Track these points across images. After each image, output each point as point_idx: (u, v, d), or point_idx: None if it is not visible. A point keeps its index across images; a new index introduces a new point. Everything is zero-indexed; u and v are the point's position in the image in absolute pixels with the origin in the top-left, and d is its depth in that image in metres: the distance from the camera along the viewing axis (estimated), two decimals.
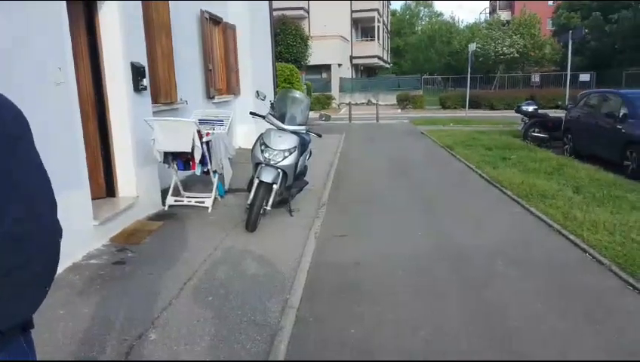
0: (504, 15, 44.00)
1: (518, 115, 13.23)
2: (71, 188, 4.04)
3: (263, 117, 5.55)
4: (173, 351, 2.78)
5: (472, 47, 21.45)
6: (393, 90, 32.97)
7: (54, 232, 1.09)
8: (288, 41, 18.39)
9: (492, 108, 24.97)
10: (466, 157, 9.50)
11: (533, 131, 12.09)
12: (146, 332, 2.98)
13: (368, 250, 4.51)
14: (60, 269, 3.83)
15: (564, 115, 11.54)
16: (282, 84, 14.32)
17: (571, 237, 4.73)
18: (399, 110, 26.95)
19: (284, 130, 5.28)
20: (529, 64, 36.58)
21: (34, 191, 1.03)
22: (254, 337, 2.94)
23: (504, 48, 34.26)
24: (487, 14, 52.99)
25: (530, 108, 12.70)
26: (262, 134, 5.34)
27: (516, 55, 34.37)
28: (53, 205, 1.08)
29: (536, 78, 33.13)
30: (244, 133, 9.85)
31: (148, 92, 5.48)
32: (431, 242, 4.75)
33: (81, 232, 4.21)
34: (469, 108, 22.04)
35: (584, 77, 29.25)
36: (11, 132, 0.98)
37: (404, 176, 8.13)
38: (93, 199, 4.47)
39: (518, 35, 34.27)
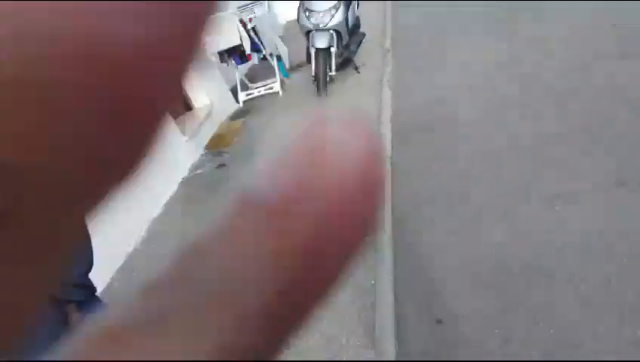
0: None
1: None
2: None
3: None
4: None
5: None
6: None
7: None
8: None
9: None
10: None
11: None
12: None
13: (446, 83, 4.38)
14: (174, 186, 4.28)
15: None
16: None
17: None
18: None
19: None
20: None
21: None
22: None
23: None
24: None
25: None
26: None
27: None
28: None
29: None
30: (287, 4, 9.43)
31: None
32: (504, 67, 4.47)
33: (177, 151, 4.57)
34: None
35: None
36: None
37: None
38: (174, 119, 4.75)
39: None
